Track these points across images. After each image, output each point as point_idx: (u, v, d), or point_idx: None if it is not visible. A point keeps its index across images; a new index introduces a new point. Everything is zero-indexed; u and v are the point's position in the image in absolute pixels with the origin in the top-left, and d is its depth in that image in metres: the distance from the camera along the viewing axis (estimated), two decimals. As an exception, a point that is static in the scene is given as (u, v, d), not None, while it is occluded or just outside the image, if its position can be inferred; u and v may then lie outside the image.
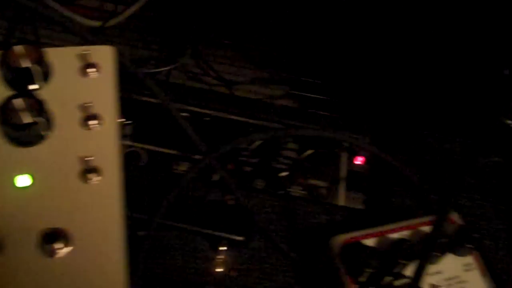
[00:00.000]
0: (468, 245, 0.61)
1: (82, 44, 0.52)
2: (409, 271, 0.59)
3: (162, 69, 0.79)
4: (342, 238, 0.61)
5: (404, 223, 0.64)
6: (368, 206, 0.74)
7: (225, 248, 0.64)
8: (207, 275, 0.64)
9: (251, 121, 0.77)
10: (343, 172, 0.77)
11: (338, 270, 0.60)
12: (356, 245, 0.61)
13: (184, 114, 0.74)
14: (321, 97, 0.80)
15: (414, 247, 0.60)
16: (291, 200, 0.72)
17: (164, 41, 0.84)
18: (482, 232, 0.73)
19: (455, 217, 0.65)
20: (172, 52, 0.83)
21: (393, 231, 0.63)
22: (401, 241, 0.60)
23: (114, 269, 0.45)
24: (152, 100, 0.72)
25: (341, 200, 0.75)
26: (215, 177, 0.70)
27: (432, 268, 0.61)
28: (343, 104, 0.81)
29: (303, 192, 0.75)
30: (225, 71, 0.82)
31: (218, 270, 0.64)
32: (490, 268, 0.67)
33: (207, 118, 0.75)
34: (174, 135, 0.72)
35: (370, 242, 0.62)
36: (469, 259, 0.63)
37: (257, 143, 0.76)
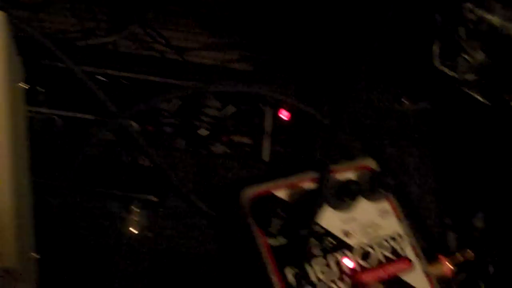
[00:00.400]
0: (381, 190, 0.60)
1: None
2: (321, 219, 0.58)
3: (109, 39, 0.77)
4: (252, 190, 0.60)
5: (317, 173, 0.62)
6: (293, 160, 0.73)
7: (138, 209, 0.62)
8: (122, 237, 0.62)
9: (173, 81, 0.75)
10: (267, 127, 0.75)
11: (248, 222, 0.59)
12: (266, 197, 0.59)
13: (101, 78, 0.72)
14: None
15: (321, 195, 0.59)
16: (213, 158, 0.71)
17: (112, 11, 0.82)
18: (409, 178, 0.72)
19: (370, 163, 0.64)
20: (120, 22, 0.81)
21: (305, 181, 0.61)
22: (311, 191, 0.59)
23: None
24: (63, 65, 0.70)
25: (266, 156, 0.73)
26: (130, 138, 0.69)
27: (345, 215, 0.60)
28: (266, 58, 0.80)
29: (226, 150, 0.73)
30: (176, 38, 0.80)
31: (132, 231, 0.62)
32: (413, 213, 0.66)
33: (126, 82, 0.73)
34: (90, 100, 0.71)
35: (281, 193, 0.60)
36: (385, 205, 0.62)
37: (178, 103, 0.74)
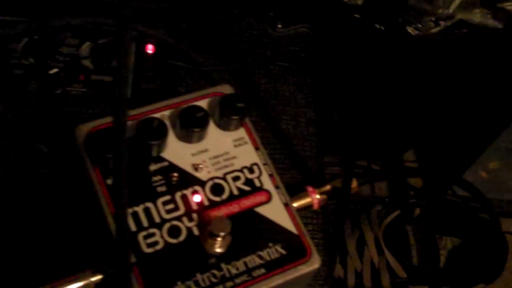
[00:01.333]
0: (234, 117, 0.54)
1: None
2: (167, 153, 0.52)
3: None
4: (87, 125, 0.53)
5: (165, 103, 0.56)
6: (157, 95, 0.66)
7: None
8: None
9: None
10: (130, 63, 0.68)
11: (83, 159, 0.52)
12: (102, 131, 0.53)
13: None
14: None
15: (165, 126, 0.53)
16: (68, 98, 0.64)
17: None
18: (284, 107, 0.66)
19: (226, 89, 0.57)
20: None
21: (154, 111, 0.55)
22: (148, 120, 0.52)
23: None
24: None
25: (128, 92, 0.67)
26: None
27: (195, 147, 0.54)
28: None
29: (83, 89, 0.66)
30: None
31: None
32: (288, 144, 0.60)
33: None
34: None
35: (121, 126, 0.53)
36: (241, 133, 0.56)
37: (26, 41, 0.66)
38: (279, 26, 0.70)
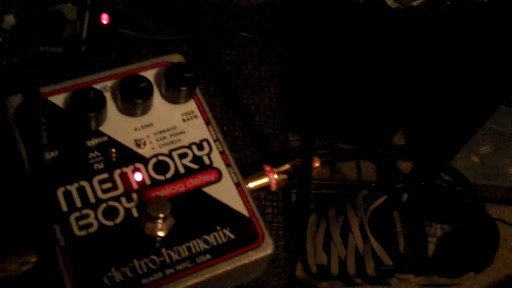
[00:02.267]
0: (181, 88, 0.49)
1: None
2: (107, 127, 0.47)
3: None
4: (18, 97, 0.48)
5: (108, 73, 0.51)
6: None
7: None
8: None
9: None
10: (84, 33, 0.63)
11: (13, 138, 0.47)
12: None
13: None
14: None
15: (103, 96, 0.47)
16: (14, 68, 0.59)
17: None
18: (246, 81, 0.60)
19: (176, 58, 0.52)
20: None
21: (95, 82, 0.50)
22: (85, 90, 0.47)
23: None
24: None
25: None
26: None
27: (139, 121, 0.49)
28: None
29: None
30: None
31: None
32: (250, 120, 0.55)
33: None
34: None
35: (57, 98, 0.49)
36: (191, 106, 0.51)
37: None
38: (244, -6, 0.64)
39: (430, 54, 0.85)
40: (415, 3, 0.76)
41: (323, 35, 0.76)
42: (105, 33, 0.63)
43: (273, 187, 0.52)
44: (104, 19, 0.64)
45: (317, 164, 0.54)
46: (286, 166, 0.53)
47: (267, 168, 0.52)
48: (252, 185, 0.51)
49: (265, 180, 0.52)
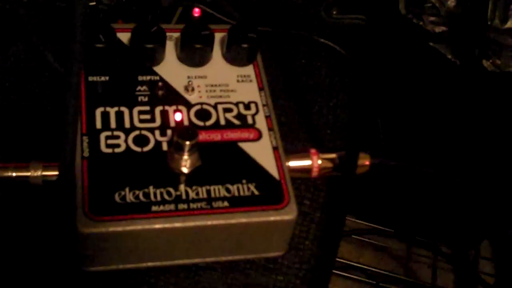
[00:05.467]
0: (244, 49, 0.49)
1: None
2: (161, 68, 0.48)
3: None
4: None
5: (181, 25, 0.52)
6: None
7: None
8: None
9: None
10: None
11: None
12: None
13: None
14: None
15: (164, 33, 0.48)
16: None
17: None
18: (314, 77, 0.60)
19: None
20: None
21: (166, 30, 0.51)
22: (148, 24, 0.48)
23: None
24: None
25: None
26: None
27: (194, 71, 0.50)
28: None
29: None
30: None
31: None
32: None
33: None
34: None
35: (124, 36, 0.50)
36: (249, 71, 0.51)
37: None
38: (334, 12, 0.65)
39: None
40: (512, 69, 0.73)
41: (408, 80, 0.75)
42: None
43: (314, 173, 0.49)
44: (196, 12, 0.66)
45: (366, 162, 0.51)
46: (333, 155, 0.50)
47: (312, 150, 0.50)
48: (293, 164, 0.48)
49: (308, 162, 0.49)
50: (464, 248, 1.09)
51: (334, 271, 0.92)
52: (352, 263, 0.97)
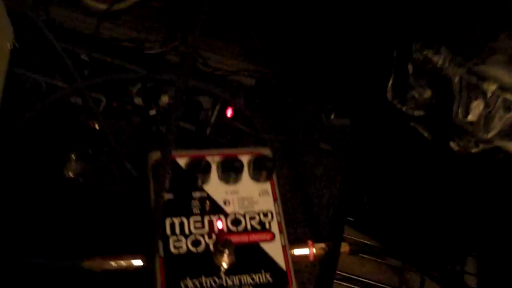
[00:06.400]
0: (262, 172, 0.73)
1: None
2: (208, 186, 0.72)
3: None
4: (157, 153, 0.75)
5: (219, 151, 0.76)
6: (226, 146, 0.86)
7: (74, 158, 0.78)
8: (60, 179, 0.78)
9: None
10: (212, 119, 0.90)
11: (148, 180, 0.73)
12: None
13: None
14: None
15: (210, 166, 0.73)
16: (156, 135, 0.86)
17: (161, 28, 0.99)
18: (315, 181, 0.84)
19: (266, 152, 0.77)
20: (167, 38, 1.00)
21: (209, 155, 0.75)
22: (199, 159, 0.72)
23: None
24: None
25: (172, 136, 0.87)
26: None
27: (230, 188, 0.74)
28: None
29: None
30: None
31: (69, 175, 0.78)
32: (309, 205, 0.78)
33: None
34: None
35: (181, 160, 0.75)
36: (266, 187, 0.75)
37: (140, 87, 0.90)
38: (332, 116, 0.88)
39: (482, 195, 1.01)
40: (473, 151, 0.94)
41: (390, 158, 0.98)
42: (227, 123, 0.89)
43: (311, 258, 0.74)
44: (229, 113, 0.90)
45: (345, 249, 0.75)
46: (323, 245, 0.74)
47: (310, 242, 0.74)
48: (295, 252, 0.73)
49: (306, 250, 0.74)
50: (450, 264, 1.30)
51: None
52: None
